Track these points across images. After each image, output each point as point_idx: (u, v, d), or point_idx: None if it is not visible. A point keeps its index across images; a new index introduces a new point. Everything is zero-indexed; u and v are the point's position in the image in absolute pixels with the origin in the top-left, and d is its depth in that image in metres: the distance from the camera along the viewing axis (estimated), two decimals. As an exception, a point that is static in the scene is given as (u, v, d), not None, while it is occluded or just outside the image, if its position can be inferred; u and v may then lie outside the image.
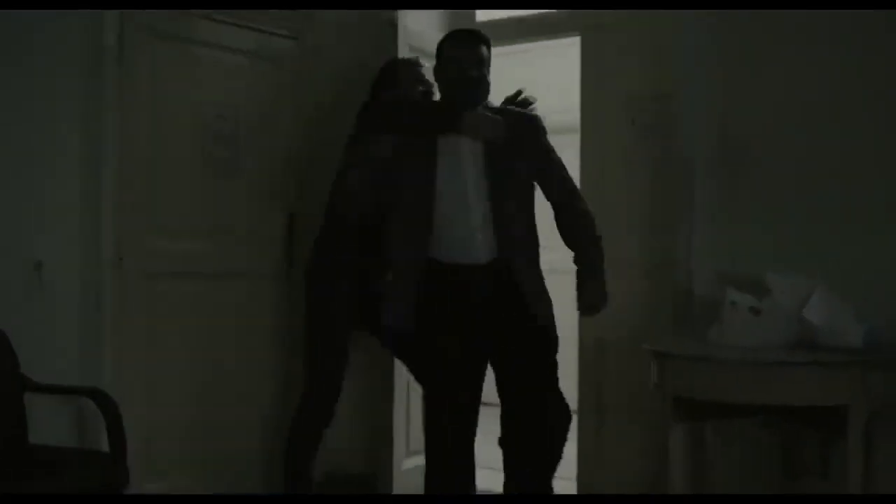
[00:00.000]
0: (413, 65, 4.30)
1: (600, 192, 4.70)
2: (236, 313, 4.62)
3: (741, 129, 4.13)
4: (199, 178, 4.50)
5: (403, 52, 4.66)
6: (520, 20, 5.10)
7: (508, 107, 3.77)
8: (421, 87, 4.18)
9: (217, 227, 4.57)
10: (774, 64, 4.07)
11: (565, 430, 3.76)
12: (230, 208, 4.61)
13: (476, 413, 3.59)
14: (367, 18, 4.92)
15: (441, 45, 3.63)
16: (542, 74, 5.87)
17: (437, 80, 3.66)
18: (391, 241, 3.70)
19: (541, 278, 3.62)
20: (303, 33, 4.91)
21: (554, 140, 3.71)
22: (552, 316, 3.61)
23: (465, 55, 3.54)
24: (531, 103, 3.86)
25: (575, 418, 4.80)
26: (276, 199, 4.80)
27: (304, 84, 4.89)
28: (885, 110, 3.86)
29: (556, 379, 3.61)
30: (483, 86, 3.57)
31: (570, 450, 4.71)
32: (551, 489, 3.66)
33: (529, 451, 3.58)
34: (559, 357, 3.61)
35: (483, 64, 3.56)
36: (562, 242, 3.71)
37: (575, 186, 3.79)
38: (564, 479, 4.44)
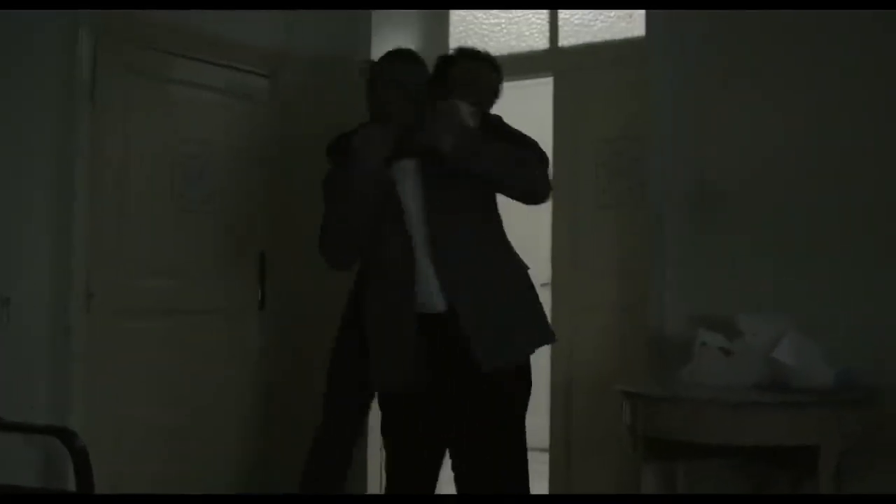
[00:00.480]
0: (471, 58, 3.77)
1: (573, 234, 4.74)
2: (207, 350, 4.60)
3: (713, 171, 4.15)
4: (170, 215, 4.49)
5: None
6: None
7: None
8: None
9: (188, 264, 4.55)
10: (746, 106, 4.11)
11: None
12: (202, 245, 4.60)
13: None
14: (342, 56, 4.93)
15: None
16: (513, 114, 5.89)
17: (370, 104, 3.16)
18: (368, 286, 3.21)
19: (510, 314, 3.06)
20: (276, 72, 4.93)
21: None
22: (513, 369, 3.06)
23: (388, 70, 3.14)
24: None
25: (546, 458, 4.82)
26: (247, 236, 4.79)
27: (278, 122, 4.90)
28: (857, 153, 3.89)
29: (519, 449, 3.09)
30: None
31: (542, 489, 4.71)
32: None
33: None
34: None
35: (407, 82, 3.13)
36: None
37: None
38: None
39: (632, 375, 4.21)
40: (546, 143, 4.86)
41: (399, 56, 3.23)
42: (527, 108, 4.81)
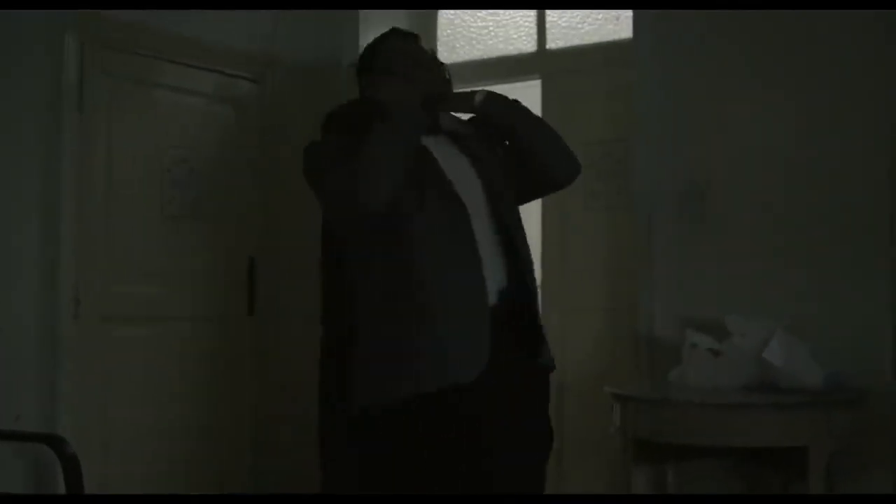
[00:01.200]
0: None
1: (562, 236, 4.73)
2: (196, 356, 4.58)
3: (702, 172, 4.16)
4: (158, 220, 4.48)
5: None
6: (481, 63, 5.13)
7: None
8: None
9: (176, 269, 4.54)
10: (734, 107, 4.12)
11: None
12: (190, 252, 4.58)
13: None
14: (329, 61, 4.93)
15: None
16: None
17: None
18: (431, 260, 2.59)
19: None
20: (264, 76, 4.92)
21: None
22: None
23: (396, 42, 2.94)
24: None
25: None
26: (236, 242, 4.77)
27: (266, 127, 4.89)
28: (845, 154, 3.90)
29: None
30: None
31: (533, 493, 4.71)
32: None
33: None
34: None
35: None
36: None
37: None
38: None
39: (622, 377, 4.21)
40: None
41: (402, 33, 2.99)
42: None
